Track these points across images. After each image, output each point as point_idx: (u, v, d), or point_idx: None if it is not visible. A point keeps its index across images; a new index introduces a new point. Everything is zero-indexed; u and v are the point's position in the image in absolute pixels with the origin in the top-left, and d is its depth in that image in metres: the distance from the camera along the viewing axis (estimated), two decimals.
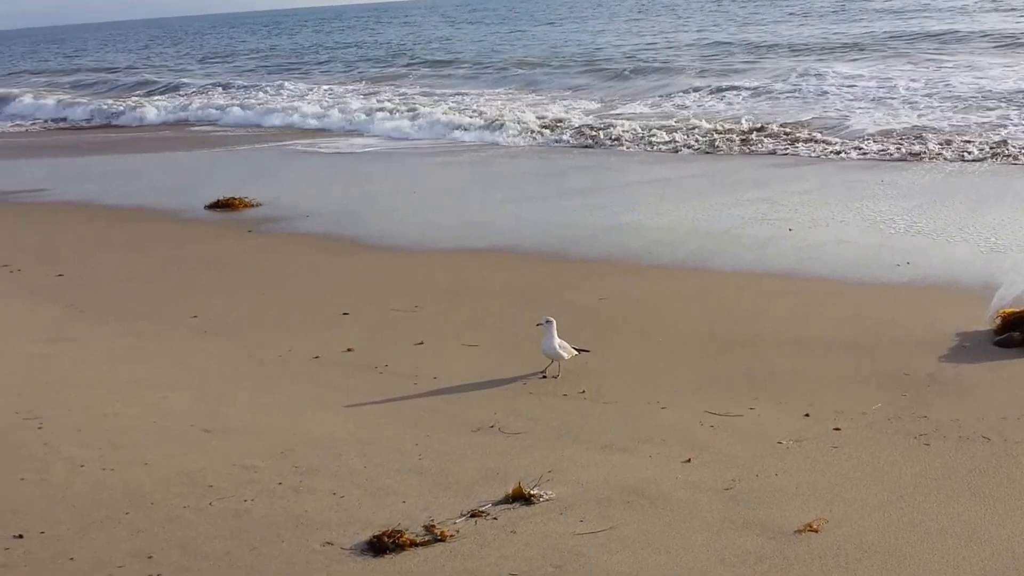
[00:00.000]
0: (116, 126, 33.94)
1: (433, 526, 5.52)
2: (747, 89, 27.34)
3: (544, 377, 8.12)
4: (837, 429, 6.63)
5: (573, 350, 8.17)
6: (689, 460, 6.25)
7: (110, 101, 38.08)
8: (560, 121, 25.14)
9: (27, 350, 9.26)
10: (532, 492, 5.81)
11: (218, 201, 17.16)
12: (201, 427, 7.26)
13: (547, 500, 5.77)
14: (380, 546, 5.31)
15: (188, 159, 25.01)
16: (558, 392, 7.77)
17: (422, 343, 9.34)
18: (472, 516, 5.64)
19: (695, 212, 14.35)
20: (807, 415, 6.94)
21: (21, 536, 5.59)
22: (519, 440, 6.81)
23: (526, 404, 7.56)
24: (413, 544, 5.34)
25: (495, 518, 5.62)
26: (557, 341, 8.06)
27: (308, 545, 5.43)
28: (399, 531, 5.44)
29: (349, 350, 9.20)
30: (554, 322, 8.12)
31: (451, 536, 5.43)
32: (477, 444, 6.81)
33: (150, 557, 5.33)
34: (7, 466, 6.54)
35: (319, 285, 11.88)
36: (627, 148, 21.82)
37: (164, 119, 34.28)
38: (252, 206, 17.12)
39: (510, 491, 5.84)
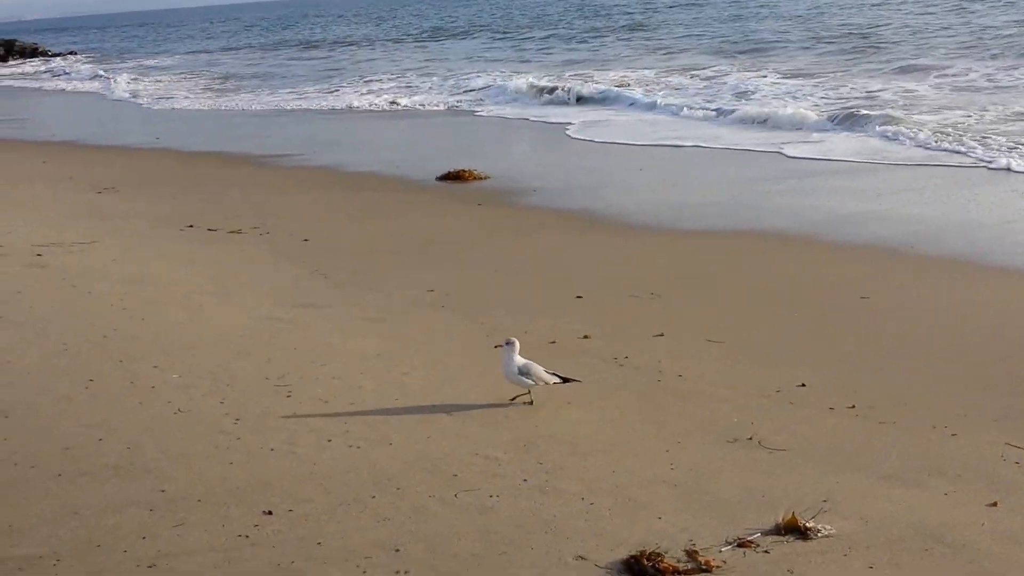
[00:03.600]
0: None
1: (695, 552, 5.00)
2: None
3: (512, 401, 7.19)
4: None
5: (550, 377, 7.09)
6: (995, 504, 5.40)
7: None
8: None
9: (275, 314, 9.42)
10: (808, 524, 5.17)
11: (448, 173, 17.28)
12: (442, 410, 7.05)
13: (826, 536, 5.12)
14: (639, 569, 4.85)
15: (422, 127, 25.53)
16: (823, 405, 7.02)
17: (662, 335, 8.81)
18: (739, 545, 5.07)
19: (965, 201, 13.00)
20: None
21: (270, 512, 5.51)
22: (784, 458, 6.16)
23: (787, 416, 6.87)
24: (675, 571, 4.84)
25: (766, 551, 5.03)
26: (518, 365, 7.04)
27: (560, 556, 5.05)
28: (658, 554, 4.96)
29: (586, 337, 8.80)
30: (516, 344, 7.12)
31: (717, 567, 4.89)
32: (735, 458, 6.22)
33: (397, 550, 5.11)
34: (258, 436, 6.54)
35: (550, 264, 11.57)
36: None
37: None
38: (480, 178, 17.12)
39: (781, 520, 5.23)
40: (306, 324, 9.12)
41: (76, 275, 10.55)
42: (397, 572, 4.91)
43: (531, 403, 7.15)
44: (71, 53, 59.25)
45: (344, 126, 26.19)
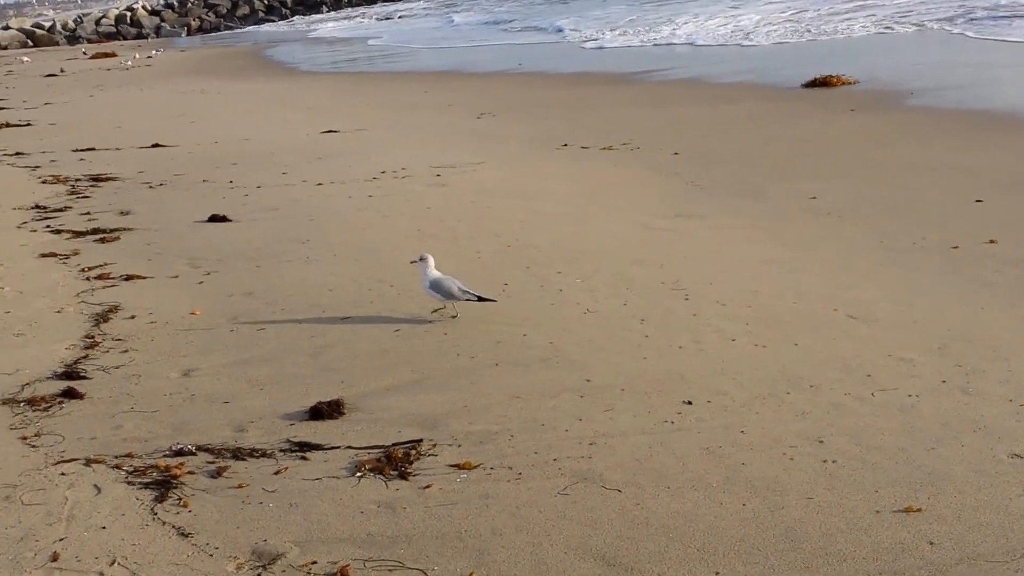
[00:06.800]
0: None
1: None
2: None
3: (433, 314, 7.40)
4: None
5: (462, 294, 7.22)
6: None
7: None
8: None
9: (658, 224, 9.77)
10: None
11: (815, 79, 16.74)
12: (844, 313, 7.03)
13: None
14: None
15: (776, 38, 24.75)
16: None
17: None
18: None
19: None
20: None
21: (690, 403, 5.83)
22: None
23: None
24: None
25: None
26: (431, 279, 7.22)
27: (992, 454, 4.95)
28: None
29: (992, 242, 8.32)
30: (430, 259, 7.29)
31: None
32: None
33: (821, 441, 5.25)
34: (664, 334, 6.90)
35: (937, 167, 10.96)
36: None
37: None
38: (849, 83, 16.45)
39: None
40: (690, 232, 9.38)
41: (474, 192, 11.55)
42: (824, 461, 5.06)
43: (434, 317, 7.41)
44: None
45: (689, 50, 26.02)
